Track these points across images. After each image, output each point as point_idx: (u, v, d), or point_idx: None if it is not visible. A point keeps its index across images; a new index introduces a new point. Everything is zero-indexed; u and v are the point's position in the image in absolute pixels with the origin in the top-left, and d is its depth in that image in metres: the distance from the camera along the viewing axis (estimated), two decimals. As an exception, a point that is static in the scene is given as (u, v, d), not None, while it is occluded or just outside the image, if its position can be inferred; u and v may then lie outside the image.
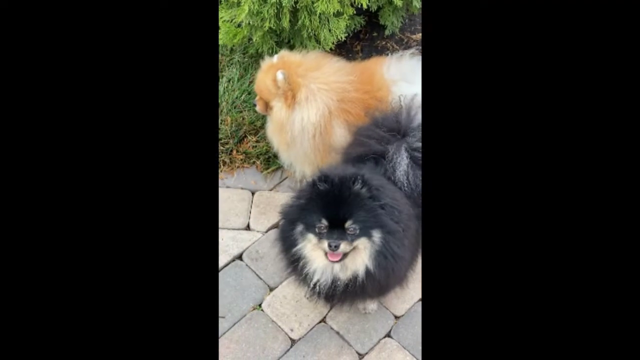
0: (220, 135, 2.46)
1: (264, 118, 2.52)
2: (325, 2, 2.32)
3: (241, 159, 2.45)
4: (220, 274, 2.13)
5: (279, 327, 2.02)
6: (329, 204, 1.58)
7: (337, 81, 2.00)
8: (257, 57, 2.69)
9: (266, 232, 2.26)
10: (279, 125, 2.03)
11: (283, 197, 2.35)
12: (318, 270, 1.67)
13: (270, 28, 2.45)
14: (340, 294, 1.72)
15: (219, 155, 2.43)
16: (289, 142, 2.04)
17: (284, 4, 2.33)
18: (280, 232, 1.77)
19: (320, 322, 2.03)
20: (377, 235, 1.59)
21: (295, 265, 1.73)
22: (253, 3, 2.34)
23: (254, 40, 2.54)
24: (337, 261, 1.59)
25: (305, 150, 2.05)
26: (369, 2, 2.50)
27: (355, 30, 2.92)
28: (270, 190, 2.39)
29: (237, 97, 2.60)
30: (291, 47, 2.59)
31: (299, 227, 1.65)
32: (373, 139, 1.86)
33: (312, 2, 2.36)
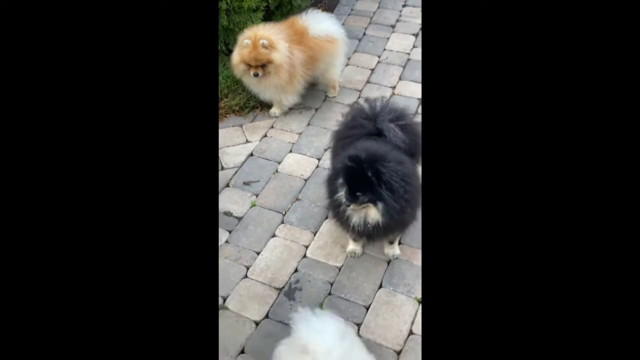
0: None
1: (235, 83, 3.73)
2: (249, 1, 3.70)
3: (225, 111, 3.64)
4: (245, 164, 3.28)
5: (294, 176, 3.19)
6: (351, 177, 2.16)
7: (279, 27, 3.35)
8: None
9: (260, 140, 3.45)
10: (281, 64, 3.24)
11: (262, 124, 3.58)
12: (354, 214, 2.30)
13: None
14: (371, 232, 2.33)
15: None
16: (286, 73, 3.27)
17: (221, 8, 3.66)
18: (328, 179, 2.38)
19: (316, 167, 3.24)
20: (380, 205, 2.19)
21: (337, 210, 2.35)
22: (203, 12, 3.64)
23: (206, 40, 3.80)
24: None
25: (289, 72, 3.31)
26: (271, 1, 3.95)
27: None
28: (251, 122, 3.60)
29: (205, 80, 3.81)
30: (227, 45, 3.89)
31: (340, 180, 2.23)
32: (362, 124, 2.50)
33: (239, 4, 3.72)
